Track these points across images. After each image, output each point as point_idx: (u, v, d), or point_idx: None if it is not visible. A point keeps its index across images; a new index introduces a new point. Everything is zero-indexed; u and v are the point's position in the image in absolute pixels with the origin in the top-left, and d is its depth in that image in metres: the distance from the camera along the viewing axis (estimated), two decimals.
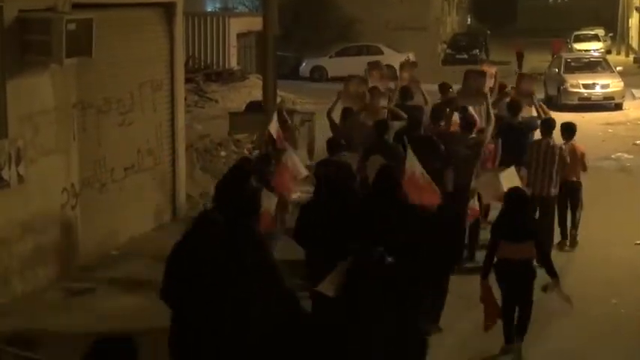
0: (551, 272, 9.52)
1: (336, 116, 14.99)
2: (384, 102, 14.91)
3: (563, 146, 13.27)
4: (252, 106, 20.97)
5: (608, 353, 9.90)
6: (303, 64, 40.86)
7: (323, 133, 15.30)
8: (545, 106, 15.85)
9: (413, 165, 10.20)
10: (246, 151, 18.53)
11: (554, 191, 12.93)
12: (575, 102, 29.03)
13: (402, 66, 17.64)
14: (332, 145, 12.53)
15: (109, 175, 13.33)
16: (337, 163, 11.72)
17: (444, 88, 16.48)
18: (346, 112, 14.77)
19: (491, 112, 13.39)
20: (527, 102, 14.92)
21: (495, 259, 9.62)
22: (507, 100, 14.86)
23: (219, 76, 30.65)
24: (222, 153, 18.35)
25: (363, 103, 15.28)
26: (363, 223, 8.40)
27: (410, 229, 8.31)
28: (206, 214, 7.62)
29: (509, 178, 11.41)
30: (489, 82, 15.10)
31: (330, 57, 40.74)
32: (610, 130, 25.11)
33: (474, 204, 11.51)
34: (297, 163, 12.29)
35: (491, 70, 16.12)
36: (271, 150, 13.09)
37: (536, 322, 10.17)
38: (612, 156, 20.86)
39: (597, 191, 15.25)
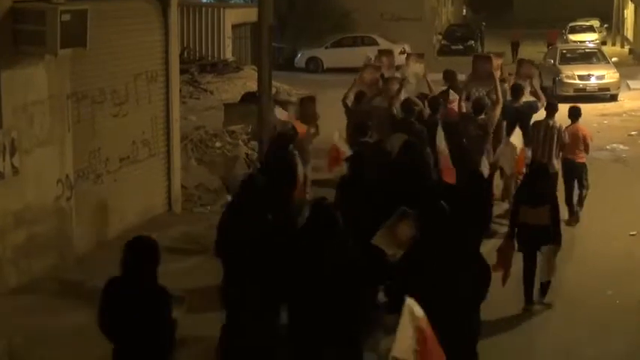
0: (557, 239, 10.53)
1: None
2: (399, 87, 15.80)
3: (563, 127, 14.22)
4: (248, 98, 20.95)
5: (602, 344, 9.94)
6: (299, 55, 40.80)
7: (320, 122, 15.40)
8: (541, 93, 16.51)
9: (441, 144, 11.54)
10: (241, 143, 18.51)
11: (554, 168, 13.67)
12: (571, 93, 29.00)
13: (409, 56, 18.65)
14: (359, 128, 13.20)
15: (103, 166, 13.31)
16: (369, 144, 12.59)
17: (447, 75, 17.36)
18: (360, 96, 15.77)
19: (500, 93, 14.69)
20: (526, 85, 15.94)
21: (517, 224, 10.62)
22: (506, 85, 15.99)
23: (214, 67, 30.59)
24: (217, 144, 18.32)
25: (376, 89, 16.28)
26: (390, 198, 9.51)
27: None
28: (252, 178, 8.90)
29: (516, 139, 13.10)
30: (495, 74, 15.77)
31: (326, 48, 40.68)
32: (605, 122, 25.13)
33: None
34: (344, 144, 12.96)
35: (497, 61, 16.72)
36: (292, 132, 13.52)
37: (530, 312, 10.50)
38: (607, 147, 20.86)
39: (592, 182, 15.25)
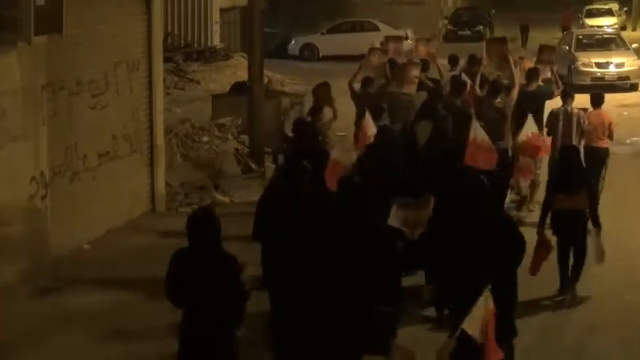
0: (596, 222, 11.29)
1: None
2: (416, 72, 16.60)
3: (582, 112, 14.99)
4: (237, 88, 20.99)
5: (620, 348, 10.19)
6: (292, 41, 40.77)
7: None
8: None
9: (476, 131, 12.36)
10: (230, 137, 18.55)
11: None
12: (588, 82, 28.92)
13: (419, 40, 19.85)
14: (373, 112, 14.04)
15: (81, 162, 13.34)
16: (389, 128, 13.29)
17: (454, 60, 18.40)
18: (367, 81, 16.58)
19: (516, 77, 15.52)
20: (546, 71, 17.03)
21: (551, 211, 11.37)
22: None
23: (201, 55, 30.61)
24: (205, 139, 18.35)
25: (383, 73, 17.12)
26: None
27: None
28: (293, 162, 10.04)
29: (530, 127, 14.07)
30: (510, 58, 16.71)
31: (322, 34, 40.66)
32: (625, 113, 25.07)
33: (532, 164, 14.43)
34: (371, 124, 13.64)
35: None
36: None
37: (543, 315, 11.04)
38: (627, 141, 20.85)
39: (611, 179, 15.32)
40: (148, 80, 15.03)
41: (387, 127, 13.46)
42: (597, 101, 15.42)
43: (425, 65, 17.54)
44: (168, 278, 7.51)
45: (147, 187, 15.13)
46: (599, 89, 26.85)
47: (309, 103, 18.73)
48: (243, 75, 23.56)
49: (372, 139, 12.66)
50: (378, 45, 19.04)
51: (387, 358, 6.87)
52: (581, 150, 14.41)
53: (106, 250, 13.13)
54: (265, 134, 17.70)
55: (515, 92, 15.16)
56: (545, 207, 11.51)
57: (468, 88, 15.83)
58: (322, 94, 15.87)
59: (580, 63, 29.94)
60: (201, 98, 23.76)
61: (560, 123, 14.91)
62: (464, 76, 16.75)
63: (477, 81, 15.78)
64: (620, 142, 20.04)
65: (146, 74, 14.98)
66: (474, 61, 17.95)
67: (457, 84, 15.74)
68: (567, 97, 15.33)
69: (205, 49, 31.48)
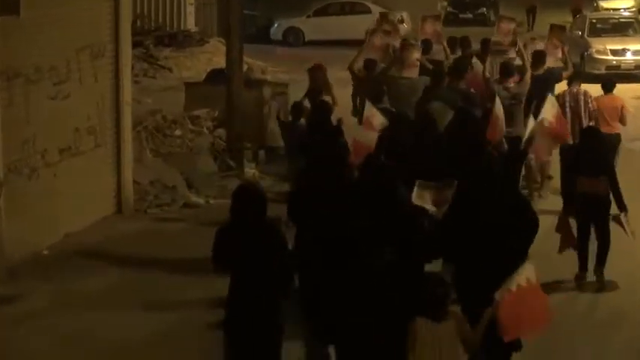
0: (621, 205, 12.07)
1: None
2: (417, 54, 16.94)
3: (589, 92, 15.81)
4: (214, 76, 21.00)
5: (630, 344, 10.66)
6: (275, 25, 40.79)
7: None
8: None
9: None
10: (206, 131, 18.55)
11: None
12: (602, 71, 28.84)
13: (426, 18, 19.99)
14: (374, 95, 14.56)
15: (40, 158, 13.32)
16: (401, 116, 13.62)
17: (464, 42, 19.05)
18: (370, 64, 17.21)
19: (527, 60, 16.39)
20: (557, 52, 18.03)
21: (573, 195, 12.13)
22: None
23: (174, 40, 30.65)
24: (177, 132, 18.36)
25: (387, 55, 17.67)
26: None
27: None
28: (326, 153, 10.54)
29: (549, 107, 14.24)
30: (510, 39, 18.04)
31: (308, 17, 40.67)
32: None
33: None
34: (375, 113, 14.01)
35: (509, 26, 18.90)
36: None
37: (559, 301, 11.32)
38: None
39: (625, 178, 15.31)
40: (115, 67, 15.02)
41: (400, 114, 13.70)
42: (609, 87, 16.22)
43: (427, 47, 18.00)
44: (214, 253, 8.17)
45: (113, 185, 15.11)
46: (614, 79, 27.07)
47: (293, 92, 18.80)
48: (220, 62, 23.58)
49: (377, 126, 13.14)
50: (373, 26, 19.37)
51: (441, 323, 7.47)
52: None
53: (67, 255, 13.11)
54: (245, 128, 17.68)
55: (528, 76, 15.79)
56: (566, 191, 12.41)
57: (484, 72, 16.24)
58: (316, 79, 16.25)
59: (594, 50, 29.98)
60: (174, 87, 23.80)
61: (568, 104, 15.50)
62: (475, 60, 17.24)
63: (487, 65, 16.31)
64: (636, 137, 20.09)
65: (112, 61, 14.97)
66: (466, 45, 18.71)
67: (456, 67, 16.05)
68: (574, 79, 16.18)
69: (178, 33, 31.52)
